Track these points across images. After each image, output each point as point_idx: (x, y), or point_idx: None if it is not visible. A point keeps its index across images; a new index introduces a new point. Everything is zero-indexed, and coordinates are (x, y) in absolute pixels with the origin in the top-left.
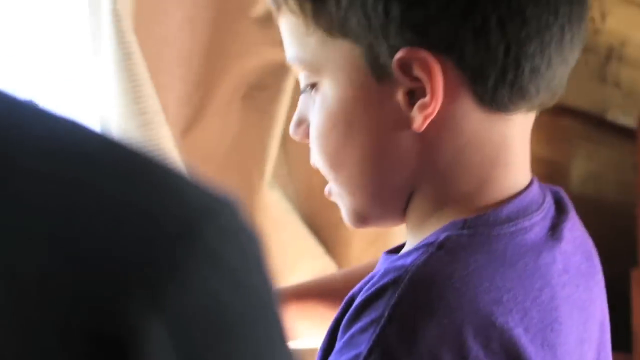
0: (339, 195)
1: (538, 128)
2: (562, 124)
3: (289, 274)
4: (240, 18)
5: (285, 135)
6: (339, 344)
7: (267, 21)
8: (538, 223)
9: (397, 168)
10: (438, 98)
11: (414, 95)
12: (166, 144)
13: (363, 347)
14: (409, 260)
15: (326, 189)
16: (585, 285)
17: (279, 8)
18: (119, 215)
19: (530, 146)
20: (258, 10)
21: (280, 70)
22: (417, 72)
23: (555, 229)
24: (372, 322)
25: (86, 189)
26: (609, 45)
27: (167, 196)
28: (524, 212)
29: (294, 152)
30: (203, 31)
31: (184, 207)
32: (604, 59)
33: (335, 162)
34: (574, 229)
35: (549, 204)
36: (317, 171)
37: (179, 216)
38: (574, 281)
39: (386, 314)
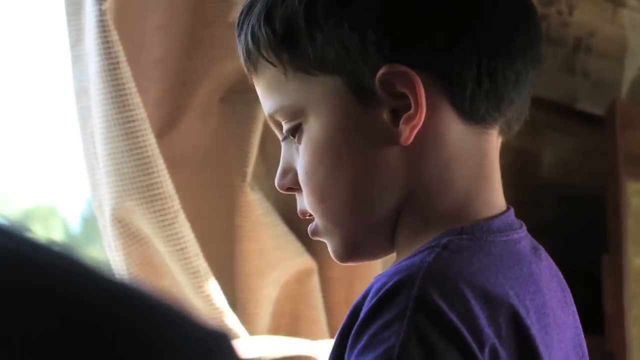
0: (327, 231)
1: None
2: (532, 113)
3: (270, 272)
4: (217, 23)
5: (263, 135)
6: (356, 349)
7: None
8: (523, 238)
9: (385, 188)
10: (422, 109)
11: (398, 112)
12: (151, 152)
13: (393, 340)
14: (417, 259)
15: (309, 230)
16: (561, 311)
17: (255, 65)
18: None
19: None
20: (235, 14)
21: None
22: (400, 86)
23: (536, 250)
24: (396, 317)
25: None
26: (576, 37)
27: (165, 337)
28: (511, 227)
29: (272, 151)
30: (180, 35)
31: (182, 351)
32: (572, 51)
33: (324, 195)
34: (549, 259)
35: (525, 228)
36: None
37: None
38: (554, 300)
39: (410, 304)
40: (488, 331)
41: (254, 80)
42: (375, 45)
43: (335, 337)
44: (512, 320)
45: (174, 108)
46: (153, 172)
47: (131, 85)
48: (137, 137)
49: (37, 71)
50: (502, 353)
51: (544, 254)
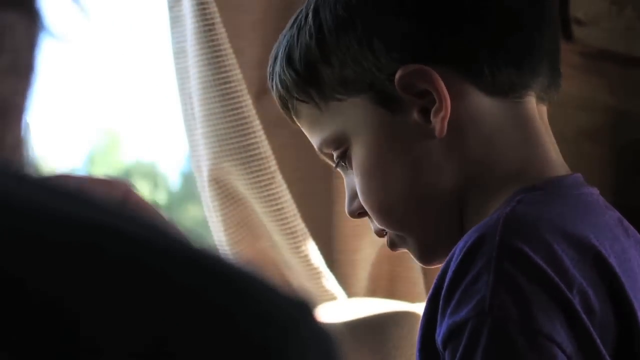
0: (403, 240)
1: (607, 78)
2: (632, 73)
3: (368, 233)
4: None
5: None
6: (450, 308)
7: None
8: (597, 195)
9: (439, 180)
10: (446, 99)
11: (425, 108)
12: (248, 112)
13: (484, 291)
14: (495, 215)
15: (388, 244)
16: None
17: (293, 109)
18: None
19: (600, 96)
20: None
21: None
22: (419, 84)
23: (611, 210)
24: (483, 269)
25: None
26: None
27: (247, 308)
28: (582, 184)
29: None
30: None
31: (265, 320)
32: None
33: (385, 209)
34: (630, 227)
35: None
36: None
37: (260, 333)
38: (635, 259)
39: (494, 254)
40: (574, 272)
41: (298, 123)
42: (385, 53)
43: (426, 301)
44: (596, 261)
45: None
46: (249, 133)
47: (227, 47)
48: (234, 98)
49: (140, 32)
50: (590, 292)
51: (618, 214)
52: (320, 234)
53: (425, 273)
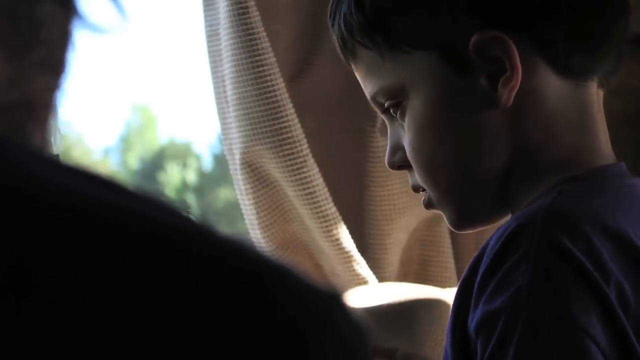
0: (441, 203)
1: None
2: None
3: (399, 217)
4: None
5: None
6: (485, 295)
7: None
8: (638, 184)
9: (491, 151)
10: (518, 70)
11: (494, 76)
12: (280, 96)
13: (521, 280)
14: (534, 205)
15: (423, 202)
16: None
17: (351, 52)
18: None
19: (635, 81)
20: None
21: None
22: (493, 51)
23: None
24: (521, 258)
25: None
26: None
27: (282, 297)
28: (626, 174)
29: None
30: None
31: (297, 313)
32: None
33: (433, 168)
34: None
35: None
36: None
37: (291, 327)
38: None
39: (534, 245)
40: (611, 266)
41: (352, 66)
42: (465, 14)
43: (458, 286)
44: (633, 255)
45: (305, 52)
46: (282, 117)
47: (260, 30)
48: (266, 81)
49: (174, 14)
50: (627, 287)
51: None
52: (352, 218)
53: (457, 257)
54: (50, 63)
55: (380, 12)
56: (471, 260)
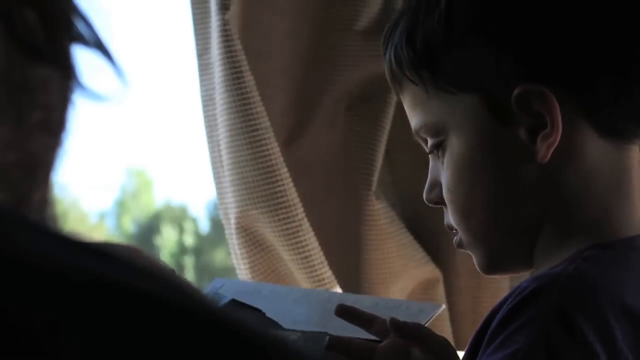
0: (471, 245)
1: None
2: None
3: (395, 281)
4: (344, 31)
5: (389, 144)
6: (490, 348)
7: (371, 34)
8: None
9: (525, 203)
10: (558, 127)
11: (534, 130)
12: (275, 160)
13: (522, 342)
14: (557, 269)
15: (455, 242)
16: None
17: (399, 84)
18: None
19: None
20: (362, 23)
21: (385, 82)
22: (535, 105)
23: None
24: (529, 321)
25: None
26: None
27: None
28: None
29: (398, 160)
30: (306, 44)
31: None
32: None
33: (466, 212)
34: None
35: None
36: (421, 179)
37: None
38: None
39: (545, 311)
40: (622, 346)
41: (401, 96)
42: (512, 64)
43: (470, 340)
44: None
45: (300, 116)
46: (277, 181)
47: (254, 94)
48: (261, 145)
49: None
50: None
51: None
52: (348, 281)
53: (453, 321)
54: (49, 124)
55: (430, 50)
56: (490, 310)
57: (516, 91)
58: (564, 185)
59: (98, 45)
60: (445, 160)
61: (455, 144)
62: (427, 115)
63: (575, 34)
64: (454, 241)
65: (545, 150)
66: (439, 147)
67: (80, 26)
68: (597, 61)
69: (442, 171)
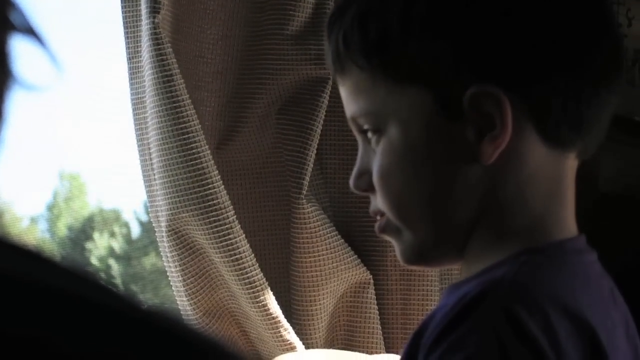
0: (397, 233)
1: None
2: None
3: (326, 283)
4: (275, 35)
5: (320, 148)
6: (435, 355)
7: (302, 38)
8: (595, 263)
9: (461, 202)
10: (508, 130)
11: (482, 130)
12: (206, 163)
13: (473, 348)
14: (499, 273)
15: (378, 226)
16: (625, 340)
17: (343, 67)
18: None
19: None
20: (293, 27)
21: (316, 86)
22: (488, 106)
23: (605, 276)
24: (478, 325)
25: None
26: (635, 49)
27: None
28: (583, 249)
29: (329, 163)
30: (238, 47)
31: None
32: (631, 63)
33: (400, 201)
34: (615, 289)
35: (596, 254)
36: None
37: None
38: (619, 326)
39: (493, 314)
40: (566, 346)
41: (339, 81)
42: (468, 63)
43: (408, 342)
44: (589, 339)
45: (231, 120)
46: (208, 184)
47: (185, 97)
48: (192, 149)
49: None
50: None
51: (611, 282)
52: (279, 284)
53: (383, 323)
54: None
55: (384, 39)
56: (424, 318)
57: (471, 90)
58: (503, 189)
59: (31, 32)
60: (381, 147)
61: (395, 134)
62: (369, 103)
63: (531, 41)
64: (377, 225)
65: (492, 151)
66: (375, 134)
67: (15, 15)
68: (553, 69)
69: (376, 158)
